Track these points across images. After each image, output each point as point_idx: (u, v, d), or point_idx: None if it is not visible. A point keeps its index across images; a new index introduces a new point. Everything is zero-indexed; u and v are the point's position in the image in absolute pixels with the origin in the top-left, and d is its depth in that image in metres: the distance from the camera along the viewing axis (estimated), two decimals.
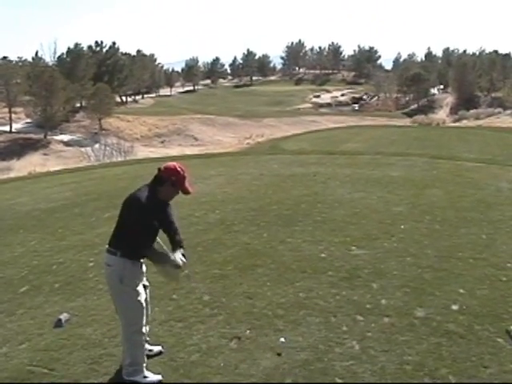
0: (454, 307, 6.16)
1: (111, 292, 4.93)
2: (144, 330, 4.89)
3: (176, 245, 4.93)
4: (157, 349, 5.32)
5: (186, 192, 4.83)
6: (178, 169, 4.77)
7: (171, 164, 4.84)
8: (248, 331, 5.72)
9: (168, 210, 4.96)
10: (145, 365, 4.92)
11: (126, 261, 4.72)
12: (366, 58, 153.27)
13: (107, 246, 4.83)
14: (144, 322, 4.88)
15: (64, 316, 6.21)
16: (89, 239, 9.65)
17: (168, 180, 4.73)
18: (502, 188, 13.00)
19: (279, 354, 5.18)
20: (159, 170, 4.80)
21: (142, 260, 4.90)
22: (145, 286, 5.07)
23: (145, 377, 4.84)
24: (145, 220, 4.64)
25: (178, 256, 4.81)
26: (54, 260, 8.62)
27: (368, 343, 5.38)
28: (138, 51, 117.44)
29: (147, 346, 5.13)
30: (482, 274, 7.15)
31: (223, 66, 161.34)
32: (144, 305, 4.86)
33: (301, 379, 4.79)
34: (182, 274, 5.07)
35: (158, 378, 4.85)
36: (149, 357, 5.07)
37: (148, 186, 4.80)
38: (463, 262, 7.62)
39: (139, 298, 4.80)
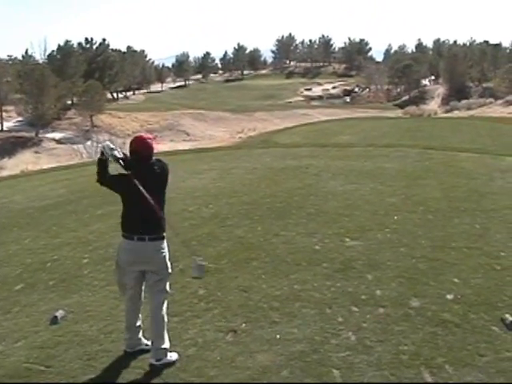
0: (449, 297, 6.18)
1: None
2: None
3: None
4: None
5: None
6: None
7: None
8: (244, 324, 5.73)
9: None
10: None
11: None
12: (357, 50, 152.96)
13: None
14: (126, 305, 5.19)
15: (59, 313, 6.20)
16: (83, 236, 9.63)
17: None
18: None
19: None
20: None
21: (130, 242, 4.99)
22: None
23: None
24: None
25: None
26: (49, 257, 8.61)
27: (364, 334, 5.39)
28: (129, 47, 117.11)
29: (144, 341, 5.15)
30: (476, 264, 7.18)
31: (214, 60, 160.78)
32: (127, 290, 5.13)
33: (297, 371, 4.79)
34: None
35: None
36: (146, 351, 5.08)
37: None
38: (457, 252, 7.65)
39: (120, 279, 5.17)
